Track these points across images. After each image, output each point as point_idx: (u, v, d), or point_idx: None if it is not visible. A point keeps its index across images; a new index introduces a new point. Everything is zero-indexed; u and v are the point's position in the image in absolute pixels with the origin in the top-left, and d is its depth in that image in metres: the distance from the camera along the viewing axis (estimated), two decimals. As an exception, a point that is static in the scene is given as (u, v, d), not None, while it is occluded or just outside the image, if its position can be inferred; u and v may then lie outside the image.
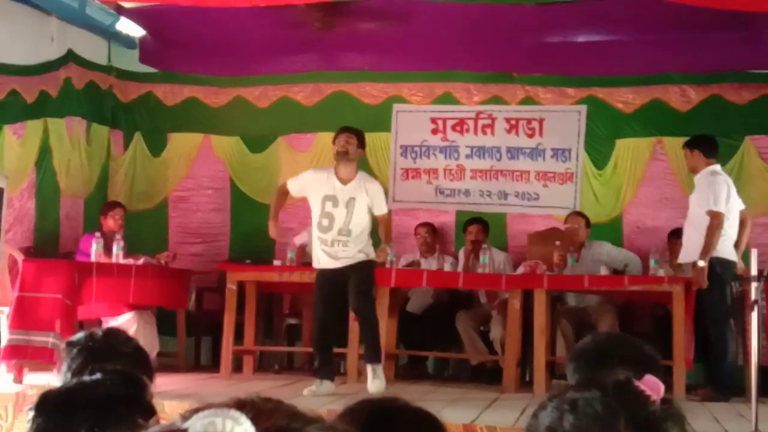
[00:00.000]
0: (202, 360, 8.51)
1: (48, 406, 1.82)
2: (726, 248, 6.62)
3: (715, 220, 6.51)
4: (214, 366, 7.76)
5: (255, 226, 8.83)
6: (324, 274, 6.27)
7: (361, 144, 6.34)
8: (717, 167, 6.86)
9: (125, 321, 7.08)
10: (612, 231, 8.18)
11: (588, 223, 7.77)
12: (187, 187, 9.07)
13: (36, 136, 7.99)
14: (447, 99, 8.67)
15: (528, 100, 8.53)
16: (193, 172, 9.06)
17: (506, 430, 4.91)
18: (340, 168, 6.26)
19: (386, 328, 7.00)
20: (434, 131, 8.69)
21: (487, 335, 7.60)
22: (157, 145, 9.10)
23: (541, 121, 8.48)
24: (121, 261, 7.21)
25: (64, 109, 8.29)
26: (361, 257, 6.23)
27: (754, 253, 5.28)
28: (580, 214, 7.87)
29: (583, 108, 8.40)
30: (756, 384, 5.10)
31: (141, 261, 7.46)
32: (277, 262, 7.55)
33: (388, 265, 7.20)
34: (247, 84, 8.99)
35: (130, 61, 9.02)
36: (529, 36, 8.24)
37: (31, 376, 6.26)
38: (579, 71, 8.35)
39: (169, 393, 5.68)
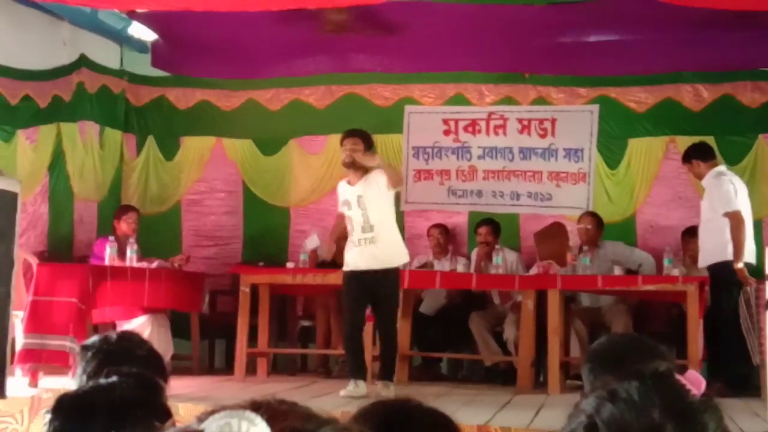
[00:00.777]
0: (216, 363, 8.53)
1: (64, 408, 1.83)
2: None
3: (735, 219, 6.56)
4: (228, 369, 7.77)
5: (268, 228, 8.87)
6: (353, 275, 6.27)
7: (368, 145, 6.38)
8: (722, 167, 6.91)
9: (139, 324, 7.10)
10: (625, 231, 8.16)
11: (601, 223, 7.75)
12: (200, 191, 9.09)
13: (49, 140, 8.02)
14: (459, 100, 8.66)
15: (540, 101, 8.51)
16: (205, 176, 9.08)
17: (521, 431, 4.90)
18: (349, 175, 6.43)
19: (400, 330, 7.00)
20: (446, 132, 8.69)
21: (501, 336, 7.58)
22: (169, 149, 9.12)
23: (553, 121, 8.47)
24: (135, 264, 7.23)
25: (77, 114, 8.32)
26: (390, 263, 6.29)
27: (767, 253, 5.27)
28: (593, 214, 7.86)
29: (596, 108, 8.39)
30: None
31: (155, 264, 7.48)
32: (290, 265, 7.57)
33: (402, 268, 7.20)
34: (258, 87, 9.00)
35: (142, 65, 9.05)
36: (541, 36, 8.23)
37: (46, 379, 6.28)
38: (591, 71, 8.34)
39: (184, 396, 5.69)
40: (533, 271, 7.48)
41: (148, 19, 8.32)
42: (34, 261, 6.80)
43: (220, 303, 8.50)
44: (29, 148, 7.79)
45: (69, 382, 2.10)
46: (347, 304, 6.34)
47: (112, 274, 6.83)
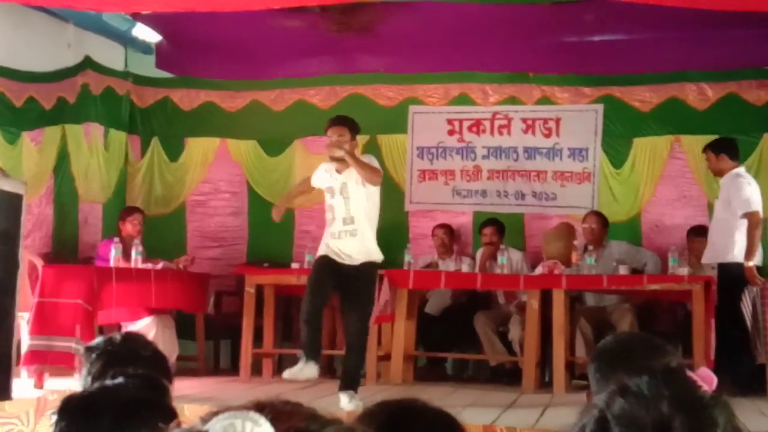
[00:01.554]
0: (222, 363, 8.53)
1: (71, 410, 1.83)
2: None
3: (753, 219, 6.62)
4: (233, 369, 7.78)
5: (272, 229, 8.84)
6: (327, 260, 5.86)
7: (354, 134, 5.99)
8: (741, 169, 6.93)
9: (144, 325, 7.11)
10: (630, 230, 8.16)
11: (606, 223, 7.75)
12: (205, 192, 9.10)
13: (54, 142, 8.03)
14: (463, 100, 8.66)
15: (544, 100, 8.50)
16: (210, 177, 9.09)
17: (526, 431, 4.90)
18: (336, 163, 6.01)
19: (405, 330, 7.01)
20: (450, 132, 8.68)
21: (506, 336, 7.58)
22: (174, 150, 9.13)
23: (557, 121, 8.46)
24: (140, 266, 7.24)
25: (81, 115, 8.33)
26: (364, 258, 5.86)
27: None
28: (597, 213, 7.85)
29: (600, 107, 8.37)
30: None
31: (160, 265, 7.48)
32: (295, 265, 7.58)
33: (405, 267, 7.20)
34: (263, 88, 9.01)
35: (146, 66, 9.06)
36: (545, 36, 8.23)
37: (52, 381, 6.29)
38: (595, 70, 8.33)
39: (189, 396, 5.70)
40: (538, 270, 7.47)
41: (153, 21, 8.34)
42: (39, 263, 6.81)
43: (225, 304, 8.51)
44: (34, 149, 7.81)
45: (75, 384, 2.11)
46: (312, 284, 5.82)
47: (117, 276, 6.84)
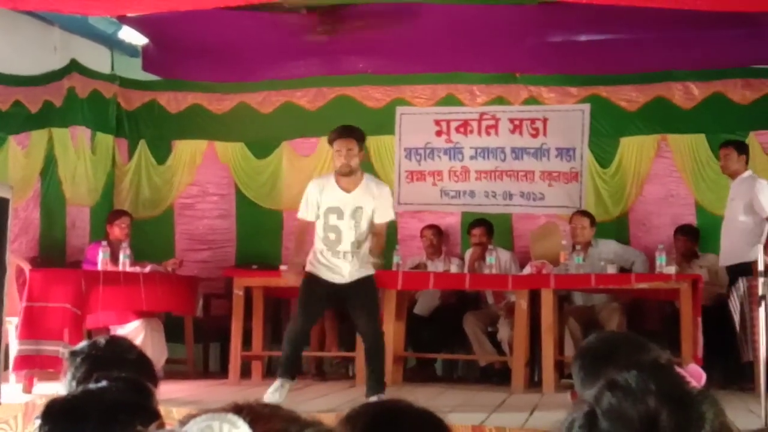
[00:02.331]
0: (211, 366, 8.52)
1: (54, 413, 1.83)
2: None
3: None
4: (222, 372, 7.77)
5: (261, 231, 8.86)
6: (318, 282, 5.81)
7: (362, 145, 5.87)
8: (750, 172, 6.99)
9: (133, 329, 7.08)
10: (618, 229, 8.18)
11: (593, 222, 7.76)
12: (193, 194, 9.08)
13: (41, 146, 8.01)
14: (450, 101, 8.67)
15: (531, 100, 8.52)
16: (198, 179, 9.08)
17: (516, 431, 4.91)
18: (341, 178, 5.83)
19: (393, 331, 7.00)
20: (438, 133, 8.69)
21: (495, 336, 7.59)
22: (161, 153, 9.11)
23: (544, 121, 8.47)
24: (128, 269, 7.22)
25: (68, 119, 8.31)
26: (363, 273, 5.82)
27: (759, 249, 5.29)
28: (585, 213, 7.86)
29: (587, 107, 8.40)
30: (765, 379, 5.09)
31: (148, 269, 7.46)
32: (283, 267, 7.54)
33: (394, 269, 7.20)
34: (250, 90, 8.99)
35: (133, 69, 9.03)
36: (532, 36, 8.24)
37: (41, 385, 6.27)
38: (582, 70, 8.35)
39: (178, 400, 5.69)
40: (526, 270, 7.48)
41: (139, 24, 8.31)
42: (26, 267, 6.79)
43: (213, 306, 8.50)
44: (21, 153, 7.78)
45: (62, 388, 2.10)
46: (302, 306, 5.88)
47: (105, 279, 6.82)
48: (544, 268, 7.18)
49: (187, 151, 9.08)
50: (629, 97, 8.32)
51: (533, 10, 7.69)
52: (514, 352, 6.97)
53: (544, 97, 8.50)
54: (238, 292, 7.26)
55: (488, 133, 8.58)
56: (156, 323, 7.41)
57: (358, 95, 8.81)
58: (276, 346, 8.28)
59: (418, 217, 8.60)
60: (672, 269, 6.77)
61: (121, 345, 2.35)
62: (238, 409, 0.91)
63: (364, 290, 5.83)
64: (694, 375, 1.34)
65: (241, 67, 8.87)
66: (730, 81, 8.11)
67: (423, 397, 5.67)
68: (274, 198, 8.89)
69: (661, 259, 6.95)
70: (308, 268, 5.90)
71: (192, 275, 8.11)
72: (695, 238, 7.79)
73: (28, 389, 6.20)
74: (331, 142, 5.88)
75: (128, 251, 7.30)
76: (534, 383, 7.05)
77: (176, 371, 7.53)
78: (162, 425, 1.14)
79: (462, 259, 8.10)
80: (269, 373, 7.86)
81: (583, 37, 8.31)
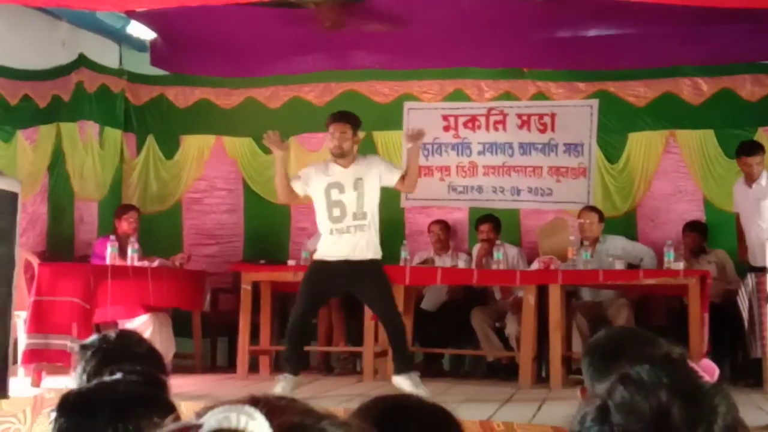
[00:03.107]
0: (219, 361, 8.54)
1: (69, 406, 1.83)
2: None
3: None
4: (230, 366, 7.79)
5: (268, 226, 8.87)
6: (325, 265, 5.88)
7: (356, 130, 5.98)
8: None
9: (141, 323, 7.10)
10: (626, 225, 8.17)
11: (602, 218, 7.75)
12: (200, 189, 9.10)
13: (49, 140, 8.03)
14: (458, 96, 8.66)
15: (539, 96, 8.51)
16: (205, 174, 9.09)
17: (523, 426, 4.91)
18: (337, 159, 5.97)
19: (401, 326, 6.99)
20: (446, 128, 8.69)
21: (503, 331, 7.59)
22: (169, 148, 9.13)
23: (552, 116, 8.47)
24: (136, 263, 7.23)
25: (76, 113, 8.33)
26: (371, 255, 5.88)
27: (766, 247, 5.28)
28: (593, 208, 7.85)
29: (595, 102, 8.39)
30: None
31: (156, 263, 7.48)
32: (291, 262, 7.57)
33: (401, 264, 7.20)
34: (258, 85, 9.01)
35: (141, 64, 9.05)
36: (540, 31, 8.22)
37: (49, 379, 6.29)
38: (590, 65, 8.34)
39: (186, 394, 5.69)
40: (534, 266, 7.48)
41: (147, 18, 8.32)
42: (35, 261, 6.81)
43: (221, 301, 8.51)
44: (29, 148, 7.80)
45: (71, 382, 2.11)
46: (306, 294, 5.94)
47: (114, 274, 6.83)
48: (551, 263, 7.17)
49: (195, 145, 9.10)
50: (637, 92, 8.31)
51: (541, 5, 7.67)
52: (521, 348, 6.97)
53: (552, 92, 8.49)
54: (246, 287, 7.27)
55: (496, 129, 8.58)
56: (164, 317, 7.43)
57: (366, 90, 8.81)
58: (284, 340, 8.28)
59: (425, 212, 8.60)
60: (680, 265, 6.76)
61: (131, 338, 2.35)
62: (255, 401, 0.92)
63: (373, 276, 5.89)
64: (707, 370, 1.34)
65: (248, 62, 8.88)
66: (739, 77, 8.10)
67: (430, 392, 5.67)
68: (282, 193, 8.89)
69: (669, 255, 6.94)
70: (315, 256, 6.03)
71: (200, 270, 8.13)
72: (703, 234, 7.77)
73: (36, 383, 6.22)
74: (327, 126, 6.02)
75: (137, 246, 7.33)
76: (541, 379, 7.05)
77: (184, 366, 7.55)
78: (178, 417, 1.15)
79: (469, 254, 8.11)
80: (277, 368, 7.87)
81: (591, 33, 8.29)
